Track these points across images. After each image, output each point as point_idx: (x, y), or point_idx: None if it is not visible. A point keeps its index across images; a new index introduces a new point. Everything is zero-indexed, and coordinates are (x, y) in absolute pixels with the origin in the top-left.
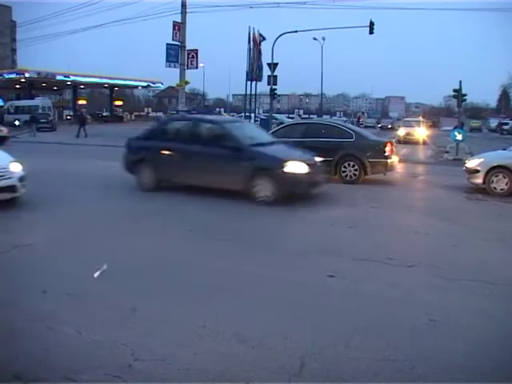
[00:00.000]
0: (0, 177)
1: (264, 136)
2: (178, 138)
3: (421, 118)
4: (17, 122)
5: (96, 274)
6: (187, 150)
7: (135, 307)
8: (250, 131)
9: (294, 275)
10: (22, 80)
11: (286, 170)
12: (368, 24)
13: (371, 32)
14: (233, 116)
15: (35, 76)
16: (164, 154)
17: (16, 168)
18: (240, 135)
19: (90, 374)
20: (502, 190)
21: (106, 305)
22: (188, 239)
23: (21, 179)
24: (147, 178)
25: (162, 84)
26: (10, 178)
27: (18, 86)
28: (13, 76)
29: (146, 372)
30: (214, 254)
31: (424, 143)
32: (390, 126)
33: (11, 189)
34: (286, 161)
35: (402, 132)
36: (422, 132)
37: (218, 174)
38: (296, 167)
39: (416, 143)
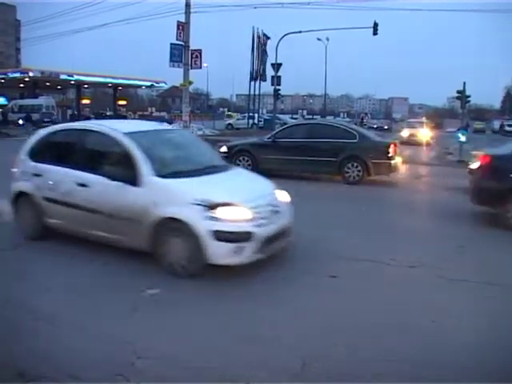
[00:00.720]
0: (274, 213)
1: None
2: None
3: (424, 119)
4: (20, 121)
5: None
6: None
7: None
8: None
9: None
10: (26, 79)
11: None
12: (372, 25)
13: (375, 33)
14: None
15: (39, 75)
16: None
17: (285, 198)
18: None
19: (92, 372)
20: None
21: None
22: None
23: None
24: None
25: (165, 84)
26: (285, 215)
27: (21, 85)
28: (17, 75)
29: (148, 370)
30: None
31: (427, 144)
32: (386, 127)
33: (286, 232)
34: None
35: (405, 133)
36: (425, 133)
37: None
38: None
39: (419, 144)
